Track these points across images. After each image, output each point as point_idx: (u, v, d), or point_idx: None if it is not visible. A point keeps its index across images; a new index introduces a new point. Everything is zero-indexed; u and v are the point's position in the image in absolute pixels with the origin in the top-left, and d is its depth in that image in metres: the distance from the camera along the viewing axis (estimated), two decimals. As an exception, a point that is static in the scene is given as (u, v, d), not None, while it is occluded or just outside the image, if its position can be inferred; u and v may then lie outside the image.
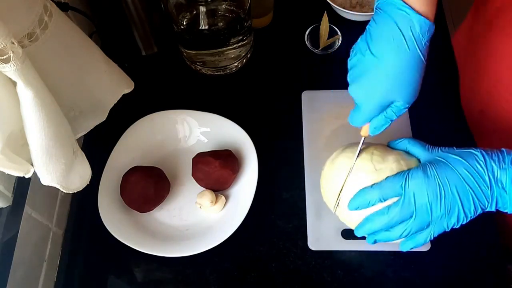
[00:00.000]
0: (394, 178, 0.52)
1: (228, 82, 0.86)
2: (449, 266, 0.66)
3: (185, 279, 0.68)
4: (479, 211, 0.49)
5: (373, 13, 0.88)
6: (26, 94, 0.45)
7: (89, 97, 0.65)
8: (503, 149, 0.49)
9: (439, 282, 0.65)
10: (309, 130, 0.77)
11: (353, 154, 0.58)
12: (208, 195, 0.69)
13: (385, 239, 0.54)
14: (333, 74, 0.85)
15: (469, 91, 0.75)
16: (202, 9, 0.76)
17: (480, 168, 0.48)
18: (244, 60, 0.87)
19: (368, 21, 0.88)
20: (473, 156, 0.49)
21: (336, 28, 0.86)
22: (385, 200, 0.53)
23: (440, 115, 0.78)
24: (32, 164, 0.51)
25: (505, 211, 0.49)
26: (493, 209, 0.49)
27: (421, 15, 0.48)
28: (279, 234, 0.70)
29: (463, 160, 0.49)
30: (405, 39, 0.49)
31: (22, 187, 0.61)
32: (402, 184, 0.51)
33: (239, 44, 0.82)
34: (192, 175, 0.71)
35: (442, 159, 0.50)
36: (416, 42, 0.49)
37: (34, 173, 0.51)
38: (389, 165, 0.55)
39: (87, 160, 0.61)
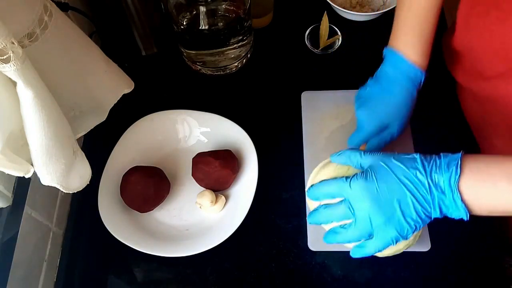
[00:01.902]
0: (339, 179, 0.52)
1: (228, 82, 0.86)
2: (449, 266, 0.66)
3: (185, 279, 0.68)
4: (424, 217, 0.48)
5: (373, 13, 0.89)
6: (26, 94, 0.45)
7: (89, 97, 0.65)
8: (440, 153, 0.49)
9: (439, 282, 0.65)
10: (308, 130, 0.77)
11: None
12: (208, 195, 0.69)
13: (332, 240, 0.54)
14: (333, 74, 0.85)
15: (464, 84, 0.75)
16: (202, 9, 0.76)
17: (419, 173, 0.48)
18: (244, 60, 0.87)
19: (368, 21, 0.89)
20: (412, 161, 0.49)
21: (336, 28, 0.86)
22: (332, 198, 0.53)
23: (441, 122, 0.78)
24: (32, 164, 0.51)
25: (452, 216, 0.48)
26: (438, 215, 0.48)
27: (416, 65, 0.63)
28: (279, 234, 0.70)
29: (402, 166, 0.49)
30: (405, 80, 0.63)
31: (22, 187, 0.61)
32: (344, 185, 0.51)
33: (239, 44, 0.82)
34: (192, 175, 0.71)
35: (384, 164, 0.50)
36: (413, 84, 0.64)
37: (34, 173, 0.51)
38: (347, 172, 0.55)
39: (87, 160, 0.61)
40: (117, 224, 0.69)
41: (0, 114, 0.48)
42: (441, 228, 0.59)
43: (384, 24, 0.89)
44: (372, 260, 0.67)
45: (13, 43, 0.42)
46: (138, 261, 0.70)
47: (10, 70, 0.42)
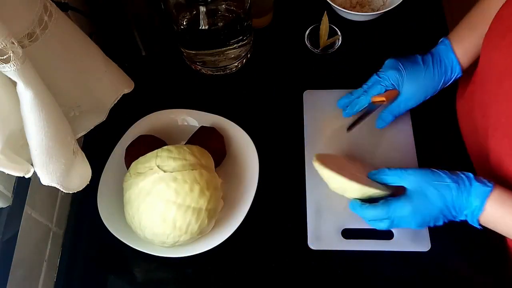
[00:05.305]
0: (385, 204, 0.60)
1: (228, 82, 0.86)
2: (449, 266, 0.66)
3: (185, 279, 0.68)
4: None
5: (373, 13, 0.89)
6: (26, 94, 0.45)
7: (89, 97, 0.65)
8: (473, 181, 0.57)
9: (439, 282, 0.65)
10: (310, 130, 0.77)
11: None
12: (208, 195, 0.69)
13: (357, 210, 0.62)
14: (333, 75, 0.85)
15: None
16: (202, 9, 0.76)
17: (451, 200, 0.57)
18: (244, 60, 0.87)
19: (368, 21, 0.89)
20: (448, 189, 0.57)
21: (336, 28, 0.86)
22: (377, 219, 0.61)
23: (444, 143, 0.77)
24: (32, 164, 0.51)
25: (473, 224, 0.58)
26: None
27: (458, 60, 0.68)
28: (279, 234, 0.70)
29: (438, 195, 0.57)
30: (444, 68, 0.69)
31: (22, 187, 0.61)
32: (387, 212, 0.59)
33: (239, 44, 0.82)
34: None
35: (428, 188, 0.58)
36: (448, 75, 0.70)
37: (34, 173, 0.51)
38: None
39: (87, 160, 0.61)
40: (117, 224, 0.69)
41: (0, 114, 0.48)
42: (441, 228, 0.59)
43: (384, 24, 0.90)
44: (372, 260, 0.67)
45: (13, 43, 0.42)
46: (138, 261, 0.70)
47: (10, 70, 0.42)
